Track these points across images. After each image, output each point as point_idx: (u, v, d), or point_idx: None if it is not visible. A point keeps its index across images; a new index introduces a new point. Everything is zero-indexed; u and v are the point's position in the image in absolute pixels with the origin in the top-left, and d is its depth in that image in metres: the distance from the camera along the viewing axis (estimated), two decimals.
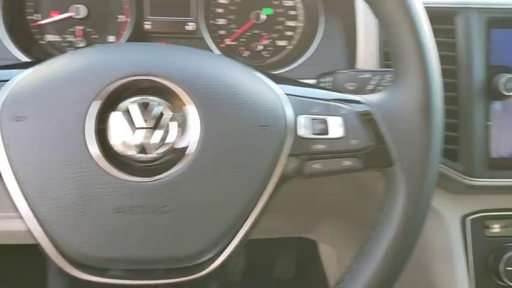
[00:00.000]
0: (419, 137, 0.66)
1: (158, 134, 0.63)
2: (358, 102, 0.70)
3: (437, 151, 0.67)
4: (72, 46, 1.18)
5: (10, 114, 0.61)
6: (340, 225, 1.46)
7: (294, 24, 1.24)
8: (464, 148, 0.98)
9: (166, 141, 0.63)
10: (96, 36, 1.19)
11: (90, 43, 1.19)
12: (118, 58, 0.65)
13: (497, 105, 0.98)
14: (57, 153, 0.60)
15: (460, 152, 0.98)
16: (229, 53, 1.23)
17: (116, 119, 0.63)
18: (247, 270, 1.83)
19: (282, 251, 1.93)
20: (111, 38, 1.20)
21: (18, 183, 0.60)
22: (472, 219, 1.03)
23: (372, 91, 0.88)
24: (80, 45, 1.18)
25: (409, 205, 0.66)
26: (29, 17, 1.17)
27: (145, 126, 0.63)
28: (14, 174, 0.60)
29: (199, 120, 0.62)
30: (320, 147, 0.67)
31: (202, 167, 0.62)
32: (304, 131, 0.67)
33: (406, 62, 0.67)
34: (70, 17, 1.17)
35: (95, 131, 0.61)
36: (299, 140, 0.67)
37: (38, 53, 1.14)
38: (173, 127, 0.64)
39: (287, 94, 0.69)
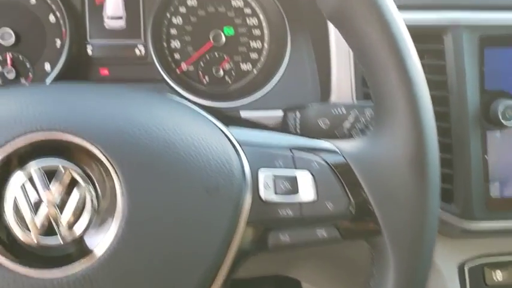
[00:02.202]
0: (411, 198, 0.51)
1: (68, 212, 0.47)
2: (331, 151, 0.55)
3: (434, 214, 0.52)
4: (0, 78, 1.01)
5: None
6: (326, 266, 1.30)
7: (258, 46, 1.09)
8: (460, 187, 0.83)
9: (79, 222, 0.47)
10: (29, 65, 1.02)
11: (21, 73, 1.02)
12: (19, 107, 0.49)
13: (495, 136, 0.84)
14: None
15: (456, 191, 0.84)
16: (186, 79, 1.08)
17: (13, 188, 0.46)
18: None
19: None
20: (47, 66, 1.03)
21: None
22: (471, 268, 0.88)
23: (350, 129, 0.73)
24: (10, 76, 1.01)
25: (400, 284, 0.50)
26: None
27: (51, 199, 0.46)
28: None
29: (121, 192, 0.46)
30: (287, 213, 0.51)
31: (127, 255, 0.45)
32: (265, 191, 0.51)
33: (390, 102, 0.52)
34: None
35: None
36: (260, 203, 0.51)
37: None
38: (88, 202, 0.47)
39: (241, 143, 0.54)
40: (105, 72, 1.06)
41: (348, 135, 0.73)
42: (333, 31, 0.90)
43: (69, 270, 0.45)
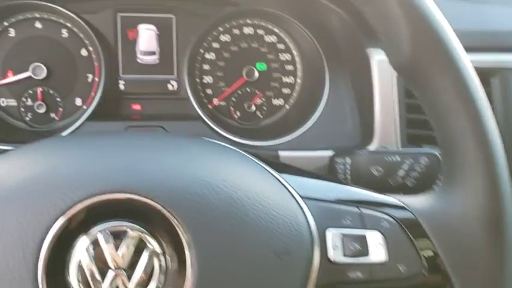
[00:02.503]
0: (488, 259, 0.50)
1: (137, 277, 0.45)
2: (400, 208, 0.53)
3: None
4: (30, 111, 0.99)
5: None
6: None
7: (291, 81, 1.08)
8: None
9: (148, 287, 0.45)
10: (59, 100, 1.00)
11: (51, 108, 1.00)
12: (80, 164, 0.47)
13: None
14: None
15: None
16: (218, 114, 1.06)
17: (78, 252, 0.44)
18: None
19: None
20: (78, 101, 1.01)
21: None
22: None
23: (404, 178, 0.72)
24: (40, 111, 0.99)
25: None
26: None
27: (119, 264, 0.44)
28: None
29: (190, 255, 0.44)
30: (356, 275, 0.49)
31: None
32: (334, 252, 0.50)
33: (463, 157, 0.50)
34: (29, 78, 0.98)
35: (46, 266, 0.43)
36: (328, 265, 0.49)
37: None
38: (156, 265, 0.45)
39: (305, 198, 0.52)
40: (137, 107, 1.04)
41: (402, 184, 0.72)
42: (376, 72, 0.89)
43: None
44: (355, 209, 0.52)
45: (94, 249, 0.44)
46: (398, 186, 0.72)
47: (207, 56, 1.05)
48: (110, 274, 0.44)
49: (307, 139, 0.93)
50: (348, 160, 0.75)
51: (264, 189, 0.50)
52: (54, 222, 0.43)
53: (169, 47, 1.03)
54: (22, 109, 0.99)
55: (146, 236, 0.45)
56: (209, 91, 1.05)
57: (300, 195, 0.52)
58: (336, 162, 0.78)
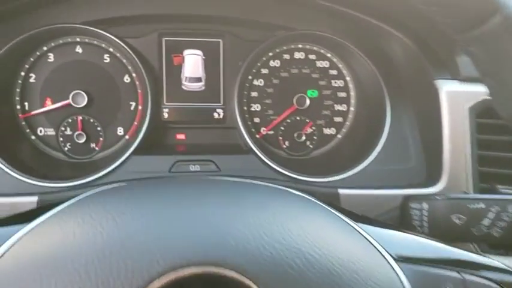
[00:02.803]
0: None
1: None
2: (505, 272, 0.47)
3: None
4: (69, 141, 0.93)
5: None
6: None
7: (344, 109, 1.01)
8: None
9: None
10: (100, 129, 0.94)
11: (92, 137, 0.94)
12: (165, 231, 0.41)
13: None
14: None
15: None
16: (265, 144, 1.00)
17: None
18: None
19: None
20: (120, 130, 0.95)
21: None
22: None
23: (490, 228, 0.65)
24: (80, 141, 0.93)
25: None
26: (17, 106, 0.92)
27: None
28: None
29: None
30: None
31: None
32: None
33: None
34: (68, 106, 0.92)
35: None
36: None
37: (26, 152, 0.89)
38: None
39: (399, 260, 0.46)
40: (181, 136, 0.98)
41: (487, 235, 0.65)
42: (445, 104, 0.82)
43: None
44: (456, 275, 0.45)
45: None
46: (483, 236, 0.65)
47: (256, 82, 0.98)
48: None
49: (367, 176, 0.86)
50: (425, 206, 0.68)
51: (356, 254, 0.44)
52: None
53: (216, 73, 0.97)
54: (61, 139, 0.93)
55: None
56: (257, 120, 0.99)
57: (393, 257, 0.45)
58: (410, 207, 0.71)
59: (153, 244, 0.40)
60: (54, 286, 0.38)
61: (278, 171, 0.86)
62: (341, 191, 0.83)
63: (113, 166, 0.83)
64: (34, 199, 0.75)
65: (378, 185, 0.84)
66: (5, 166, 0.79)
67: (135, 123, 0.95)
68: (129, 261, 0.39)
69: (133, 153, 0.85)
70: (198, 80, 0.96)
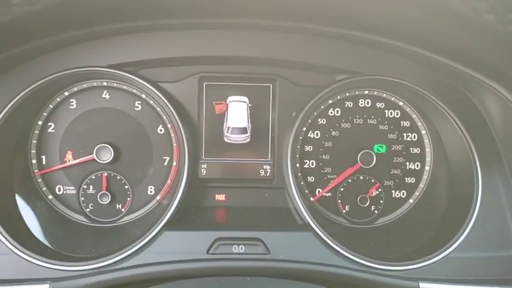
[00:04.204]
0: None
1: None
2: None
3: None
4: (91, 201, 0.79)
5: None
6: None
7: (417, 168, 0.83)
8: None
9: None
10: (127, 187, 0.80)
11: (118, 197, 0.80)
12: None
13: None
14: None
15: None
16: (320, 208, 0.83)
17: None
18: None
19: None
20: (150, 190, 0.81)
21: None
22: None
23: None
24: (104, 201, 0.79)
25: None
26: (33, 161, 0.79)
27: None
28: None
29: None
30: None
31: None
32: None
33: None
34: (92, 161, 0.78)
35: None
36: None
37: (41, 215, 0.76)
38: None
39: None
40: (221, 198, 0.83)
41: None
42: None
43: None
44: None
45: None
46: None
47: (311, 135, 0.82)
48: None
49: (454, 264, 0.68)
50: None
51: None
52: None
53: (264, 123, 0.82)
54: (82, 198, 0.80)
55: None
56: (311, 179, 0.83)
57: None
58: None
59: None
60: None
61: (341, 253, 0.69)
62: (423, 285, 0.66)
63: (139, 245, 0.68)
64: (45, 287, 0.61)
65: (470, 278, 0.66)
66: (14, 246, 0.65)
67: (169, 181, 0.80)
68: None
69: (165, 226, 0.70)
70: (243, 131, 0.81)
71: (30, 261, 0.65)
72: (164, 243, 0.68)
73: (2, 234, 0.66)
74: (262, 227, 0.71)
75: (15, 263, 0.65)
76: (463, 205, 0.72)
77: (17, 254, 0.66)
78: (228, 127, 0.82)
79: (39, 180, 0.79)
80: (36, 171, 0.79)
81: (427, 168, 0.83)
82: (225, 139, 0.82)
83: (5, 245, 0.66)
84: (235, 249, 0.68)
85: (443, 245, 0.69)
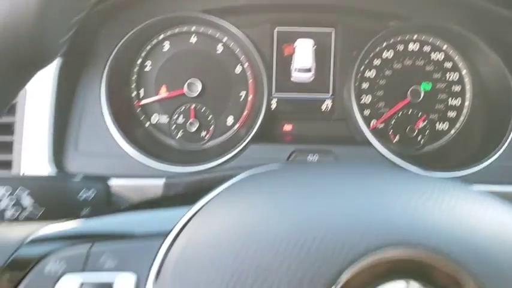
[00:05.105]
0: None
1: None
2: None
3: None
4: (181, 129, 0.94)
5: None
6: None
7: (458, 103, 0.96)
8: None
9: None
10: (211, 117, 0.95)
11: (203, 126, 0.95)
12: (344, 213, 0.40)
13: None
14: None
15: None
16: (374, 137, 0.97)
17: None
18: None
19: None
20: (229, 120, 0.96)
21: None
22: None
23: None
24: (192, 129, 0.94)
25: None
26: (133, 94, 0.94)
27: None
28: None
29: None
30: None
31: None
32: None
33: None
34: (182, 94, 0.93)
35: None
36: None
37: (141, 139, 0.91)
38: None
39: None
40: (288, 128, 0.97)
41: None
42: None
43: None
44: None
45: None
46: None
47: (367, 73, 0.96)
48: None
49: (491, 172, 0.82)
50: None
51: None
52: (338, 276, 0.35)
53: (326, 64, 0.95)
54: (173, 126, 0.95)
55: None
56: (367, 112, 0.96)
57: None
58: None
59: (358, 220, 0.38)
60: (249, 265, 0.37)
61: (400, 166, 0.83)
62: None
63: (232, 153, 0.83)
64: (161, 181, 0.76)
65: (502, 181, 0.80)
66: (132, 150, 0.81)
67: (246, 112, 0.95)
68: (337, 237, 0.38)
69: (250, 141, 0.85)
70: (308, 70, 0.95)
71: (145, 164, 0.80)
72: (251, 153, 0.83)
73: (123, 140, 0.82)
74: (331, 142, 0.85)
75: (132, 165, 0.80)
76: (501, 127, 0.86)
77: (132, 157, 0.81)
78: (295, 67, 0.95)
79: (139, 110, 0.95)
80: (136, 102, 0.94)
81: (467, 103, 0.97)
82: (292, 78, 0.96)
83: (123, 148, 0.82)
84: (310, 158, 0.83)
85: (479, 160, 0.83)
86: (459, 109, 0.96)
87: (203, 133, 0.96)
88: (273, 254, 0.38)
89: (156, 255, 0.41)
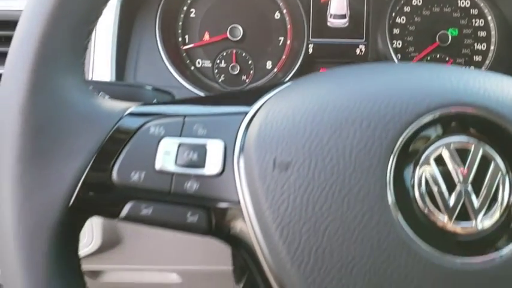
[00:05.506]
0: None
1: (483, 194, 0.42)
2: None
3: None
4: (223, 73, 1.01)
5: (269, 160, 0.43)
6: None
7: (483, 48, 1.02)
8: None
9: (491, 210, 0.42)
10: (251, 62, 1.01)
11: (244, 70, 1.01)
12: (419, 79, 0.46)
13: None
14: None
15: None
16: None
17: (423, 169, 0.43)
18: None
19: None
20: (268, 64, 1.02)
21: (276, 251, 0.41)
22: None
23: None
24: (234, 72, 1.00)
25: None
26: (179, 39, 1.01)
27: (464, 180, 0.42)
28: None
29: None
30: None
31: None
32: None
33: None
34: (225, 39, 1.00)
35: (392, 182, 0.42)
36: None
37: (191, 79, 0.97)
38: (501, 186, 0.43)
39: None
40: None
41: None
42: None
43: (471, 260, 0.41)
44: None
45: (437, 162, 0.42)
46: None
47: (398, 20, 1.02)
48: (458, 188, 0.42)
49: None
50: None
51: None
52: (403, 132, 0.42)
53: (360, 11, 1.01)
54: (216, 70, 1.01)
55: (494, 154, 0.42)
56: (398, 56, 1.03)
57: None
58: None
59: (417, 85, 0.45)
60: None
61: None
62: None
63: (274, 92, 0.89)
64: None
65: None
66: (188, 84, 0.87)
67: (284, 57, 1.01)
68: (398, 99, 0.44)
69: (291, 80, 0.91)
70: (343, 17, 1.01)
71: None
72: None
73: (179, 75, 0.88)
74: None
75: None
76: None
77: (190, 90, 0.88)
78: (331, 14, 1.02)
79: (184, 54, 1.01)
80: (182, 46, 1.01)
81: (492, 47, 1.03)
82: (328, 24, 1.02)
83: (180, 81, 0.88)
84: None
85: None
86: (485, 53, 1.02)
87: (243, 77, 1.02)
88: (348, 112, 0.44)
89: (240, 125, 0.47)
